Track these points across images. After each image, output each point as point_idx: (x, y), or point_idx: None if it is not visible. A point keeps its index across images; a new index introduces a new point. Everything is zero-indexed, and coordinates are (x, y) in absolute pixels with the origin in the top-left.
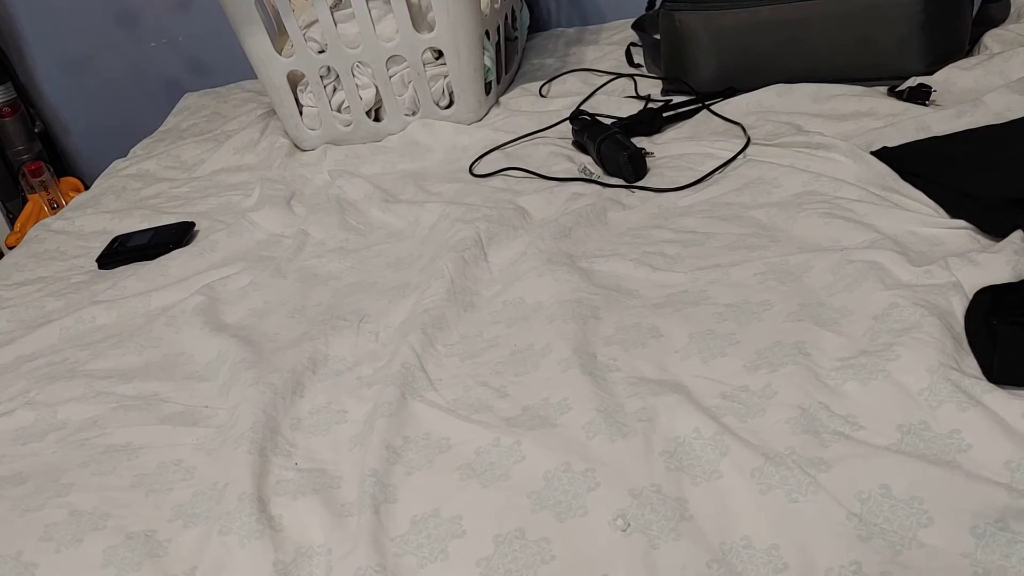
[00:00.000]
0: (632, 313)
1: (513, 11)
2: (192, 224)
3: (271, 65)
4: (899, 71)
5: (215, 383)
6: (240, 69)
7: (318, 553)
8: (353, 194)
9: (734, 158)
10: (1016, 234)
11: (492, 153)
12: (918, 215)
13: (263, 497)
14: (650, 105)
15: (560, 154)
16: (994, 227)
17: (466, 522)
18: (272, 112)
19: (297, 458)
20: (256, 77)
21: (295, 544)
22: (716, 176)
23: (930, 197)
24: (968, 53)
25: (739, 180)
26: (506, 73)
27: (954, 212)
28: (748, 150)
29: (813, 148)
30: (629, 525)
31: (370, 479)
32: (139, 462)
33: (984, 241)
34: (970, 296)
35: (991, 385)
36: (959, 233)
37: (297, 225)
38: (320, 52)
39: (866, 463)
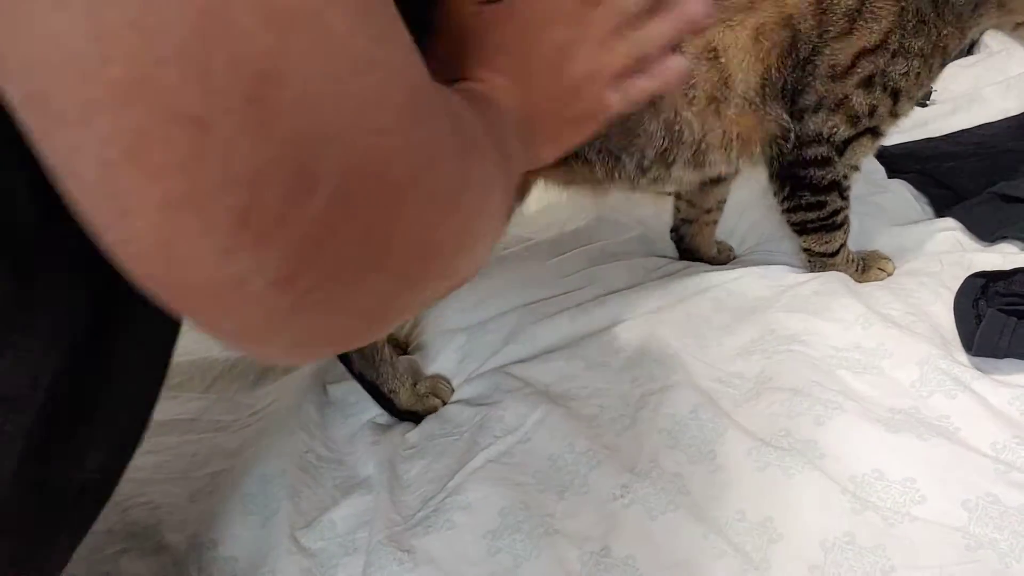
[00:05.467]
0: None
1: None
2: None
3: None
4: None
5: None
6: None
7: None
8: None
9: None
10: (1003, 243)
11: None
12: (906, 214)
13: None
14: None
15: None
16: (980, 225)
17: (471, 494)
18: None
19: None
20: None
21: None
22: None
23: (921, 192)
24: (968, 52)
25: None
26: None
27: (941, 210)
28: None
29: None
30: None
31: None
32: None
33: (970, 241)
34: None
35: (979, 373)
36: (947, 233)
37: None
38: None
39: (859, 443)
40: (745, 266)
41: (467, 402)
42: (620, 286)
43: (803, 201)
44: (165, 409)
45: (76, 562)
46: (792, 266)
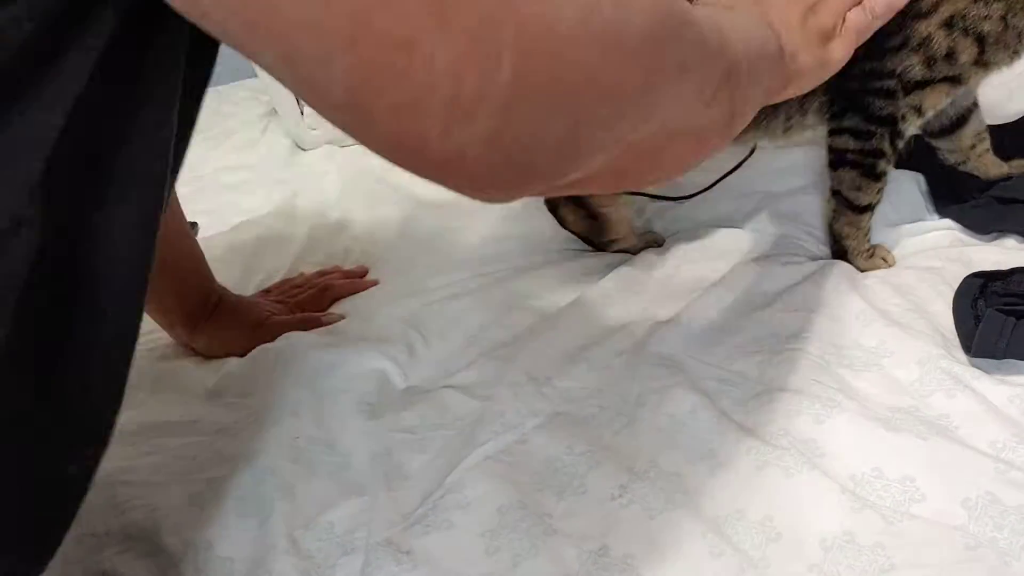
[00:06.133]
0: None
1: None
2: (195, 223)
3: None
4: None
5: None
6: (240, 68)
7: None
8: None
9: (739, 166)
10: (1004, 238)
11: None
12: (908, 207)
13: None
14: None
15: None
16: (979, 225)
17: (468, 492)
18: (273, 111)
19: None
20: (256, 76)
21: None
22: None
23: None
24: None
25: (736, 191)
26: None
27: (943, 210)
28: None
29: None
30: None
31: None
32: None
33: (969, 239)
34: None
35: (979, 372)
36: (946, 230)
37: (300, 223)
38: None
39: (859, 442)
40: (746, 264)
41: (467, 391)
42: (622, 283)
43: (851, 124)
44: (165, 411)
45: (73, 563)
46: (799, 256)
